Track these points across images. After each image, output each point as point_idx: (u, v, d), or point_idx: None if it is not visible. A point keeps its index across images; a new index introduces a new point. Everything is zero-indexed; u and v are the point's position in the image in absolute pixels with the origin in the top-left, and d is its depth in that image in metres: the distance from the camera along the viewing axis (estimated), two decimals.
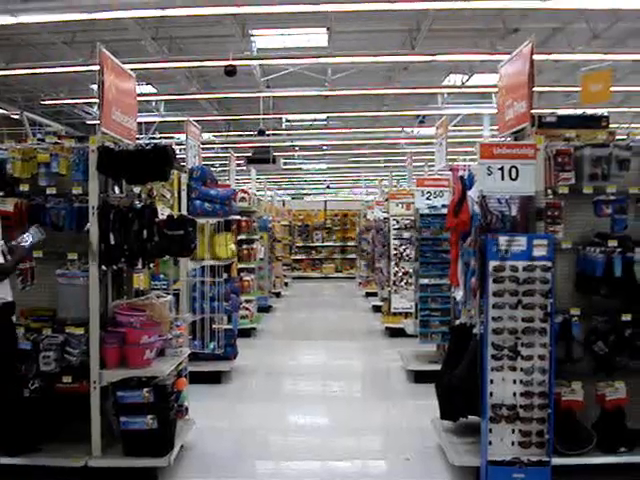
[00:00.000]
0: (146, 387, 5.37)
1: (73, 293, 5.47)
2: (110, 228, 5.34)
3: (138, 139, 6.50)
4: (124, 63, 6.18)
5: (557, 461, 5.15)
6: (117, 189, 5.74)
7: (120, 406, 5.35)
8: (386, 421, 7.47)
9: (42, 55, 13.18)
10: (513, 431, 5.09)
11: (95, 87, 5.61)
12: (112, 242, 5.33)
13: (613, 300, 5.40)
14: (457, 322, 6.35)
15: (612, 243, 5.33)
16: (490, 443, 5.10)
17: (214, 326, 8.96)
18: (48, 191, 5.55)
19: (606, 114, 6.01)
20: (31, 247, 5.24)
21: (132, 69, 6.47)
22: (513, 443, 5.09)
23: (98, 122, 5.65)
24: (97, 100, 5.67)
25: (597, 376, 5.43)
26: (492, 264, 5.09)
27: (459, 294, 6.15)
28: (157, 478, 5.44)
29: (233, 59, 11.86)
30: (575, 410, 5.37)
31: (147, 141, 6.10)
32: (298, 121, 21.15)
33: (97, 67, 5.63)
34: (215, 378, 8.88)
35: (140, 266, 6.09)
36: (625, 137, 5.63)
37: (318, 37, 12.69)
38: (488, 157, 5.31)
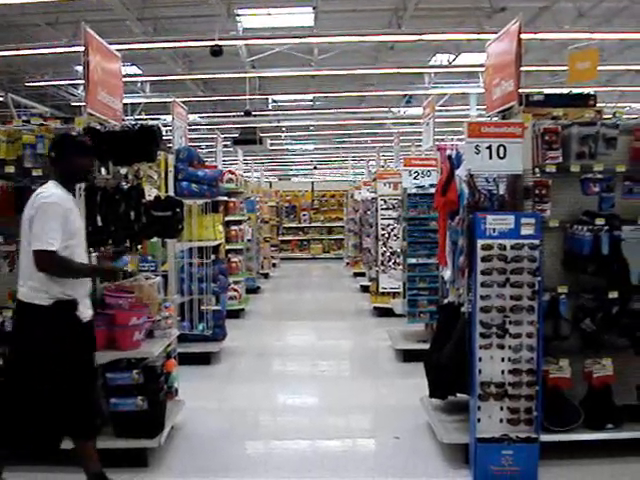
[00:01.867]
0: (135, 369, 5.36)
1: None
2: (97, 209, 5.30)
3: (124, 120, 6.46)
4: (109, 44, 6.12)
5: (545, 438, 5.19)
6: (104, 170, 5.71)
7: (110, 388, 5.34)
8: (375, 400, 7.51)
9: (26, 36, 13.04)
10: (501, 408, 5.12)
11: (80, 68, 5.55)
12: (99, 223, 5.29)
13: (600, 278, 5.42)
14: (445, 301, 6.37)
15: (599, 221, 5.35)
16: (479, 420, 5.13)
17: (202, 307, 8.96)
18: (34, 173, 5.49)
19: (593, 93, 6.02)
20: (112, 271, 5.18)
21: (117, 50, 6.41)
22: (502, 420, 5.12)
23: (83, 104, 5.60)
24: (82, 81, 5.61)
25: (584, 353, 5.47)
26: (480, 243, 5.09)
27: (447, 273, 6.16)
28: (147, 459, 5.44)
29: (219, 39, 11.77)
30: (563, 387, 5.41)
31: (133, 122, 6.05)
32: (284, 101, 21.07)
33: (82, 48, 5.57)
34: (204, 359, 8.88)
35: (127, 247, 6.07)
36: (611, 117, 5.64)
37: (304, 17, 12.62)
38: (476, 136, 5.30)
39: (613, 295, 5.43)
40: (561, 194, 5.54)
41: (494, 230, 5.09)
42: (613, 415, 5.48)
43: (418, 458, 5.71)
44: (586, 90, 6.11)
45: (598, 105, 5.91)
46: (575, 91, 6.06)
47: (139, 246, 6.50)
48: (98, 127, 5.47)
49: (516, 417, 5.12)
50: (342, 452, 6.04)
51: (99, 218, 5.29)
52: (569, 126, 5.44)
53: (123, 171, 5.90)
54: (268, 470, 5.53)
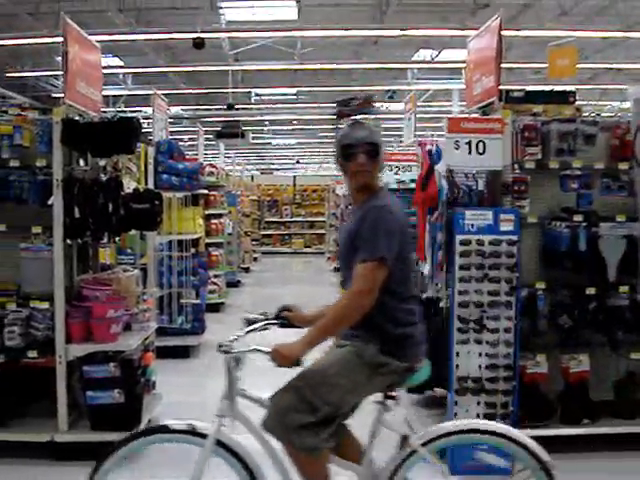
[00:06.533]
0: (112, 361, 5.33)
1: (38, 267, 5.38)
2: (75, 201, 5.26)
3: (105, 112, 6.41)
4: (90, 34, 6.08)
5: None
6: (82, 162, 5.67)
7: (86, 381, 5.30)
8: None
9: (5, 26, 12.91)
10: (478, 403, 5.15)
11: (59, 59, 5.51)
12: (77, 215, 5.25)
13: (578, 274, 5.45)
14: (424, 296, 6.38)
15: (577, 218, 5.38)
16: (456, 415, 5.15)
17: (182, 301, 8.94)
18: (11, 164, 5.43)
19: (573, 90, 6.04)
20: None
21: (98, 41, 6.36)
22: (478, 415, 5.14)
23: (63, 95, 5.55)
24: (62, 72, 5.57)
25: (561, 349, 5.50)
26: (459, 238, 5.11)
27: (426, 268, 6.17)
28: None
29: (202, 32, 11.72)
30: (539, 382, 5.44)
31: (113, 113, 6.01)
32: (267, 95, 21.01)
33: (60, 39, 5.53)
34: (183, 353, 8.85)
35: (106, 240, 6.04)
36: (592, 114, 5.67)
37: (288, 10, 12.57)
38: (456, 131, 5.31)
39: (590, 291, 5.46)
40: (540, 190, 5.56)
41: (473, 225, 5.11)
42: (589, 410, 5.51)
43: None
44: (568, 87, 6.14)
45: (580, 103, 5.94)
46: (557, 89, 6.08)
47: (117, 239, 6.47)
48: (77, 118, 5.43)
49: (493, 412, 5.14)
50: None
51: (77, 210, 5.25)
52: (548, 123, 5.46)
53: (102, 163, 5.85)
54: None
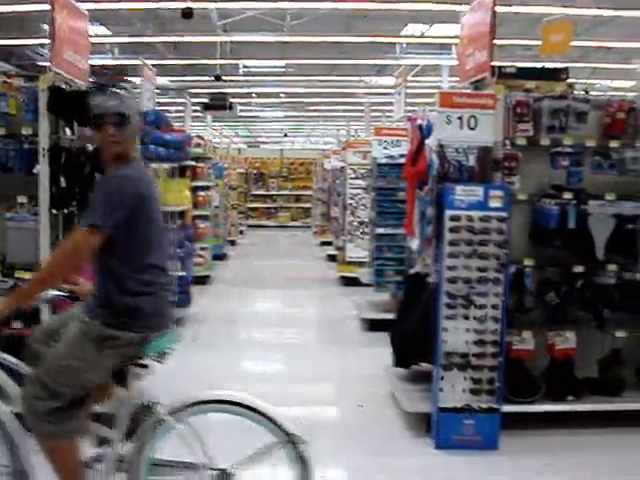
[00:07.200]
0: None
1: (23, 237, 5.34)
2: (61, 171, 5.21)
3: (91, 81, 6.32)
4: (77, 1, 5.98)
5: (507, 408, 5.25)
6: (68, 131, 5.59)
7: None
8: (340, 368, 7.54)
9: None
10: (465, 379, 5.15)
11: (47, 27, 5.43)
12: (63, 185, 5.20)
13: (566, 252, 5.46)
14: (412, 271, 6.38)
15: (567, 195, 5.37)
16: (441, 390, 5.16)
17: None
18: None
19: (566, 67, 6.01)
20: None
21: (86, 9, 6.26)
22: (464, 390, 5.16)
23: (49, 63, 5.47)
24: (48, 40, 5.48)
25: (548, 326, 5.51)
26: (449, 213, 5.09)
27: (415, 243, 6.16)
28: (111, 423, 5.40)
29: (190, 1, 11.55)
30: (525, 359, 5.47)
31: (100, 82, 5.93)
32: (256, 67, 20.81)
33: (48, 6, 5.43)
34: None
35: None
36: (583, 92, 5.64)
37: None
38: (447, 105, 5.26)
39: (578, 269, 5.48)
40: (530, 167, 5.53)
41: (463, 201, 5.09)
42: (574, 387, 5.55)
43: (381, 426, 5.74)
44: (558, 65, 6.10)
45: (569, 81, 5.91)
46: (548, 66, 6.05)
47: None
48: (63, 86, 5.35)
49: (479, 387, 5.16)
50: (305, 419, 6.02)
51: (63, 179, 5.19)
52: (540, 99, 5.43)
53: (88, 132, 5.78)
54: (228, 437, 5.52)
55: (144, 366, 3.57)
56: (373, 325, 8.89)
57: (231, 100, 18.39)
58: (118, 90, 3.77)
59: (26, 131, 5.32)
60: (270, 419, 3.44)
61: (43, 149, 5.19)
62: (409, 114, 8.27)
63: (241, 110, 22.89)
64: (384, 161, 9.69)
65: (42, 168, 5.20)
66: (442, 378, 5.16)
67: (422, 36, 15.24)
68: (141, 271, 3.47)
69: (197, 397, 3.60)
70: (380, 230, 9.59)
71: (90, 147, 5.49)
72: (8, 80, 5.56)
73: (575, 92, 5.61)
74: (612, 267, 5.49)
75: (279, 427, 3.42)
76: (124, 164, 3.50)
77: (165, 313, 3.61)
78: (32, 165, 5.26)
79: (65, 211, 5.56)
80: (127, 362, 3.52)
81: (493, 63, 5.63)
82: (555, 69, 5.96)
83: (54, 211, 5.35)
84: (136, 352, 3.52)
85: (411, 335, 5.79)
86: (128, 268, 3.43)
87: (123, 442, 3.51)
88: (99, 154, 5.39)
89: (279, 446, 3.43)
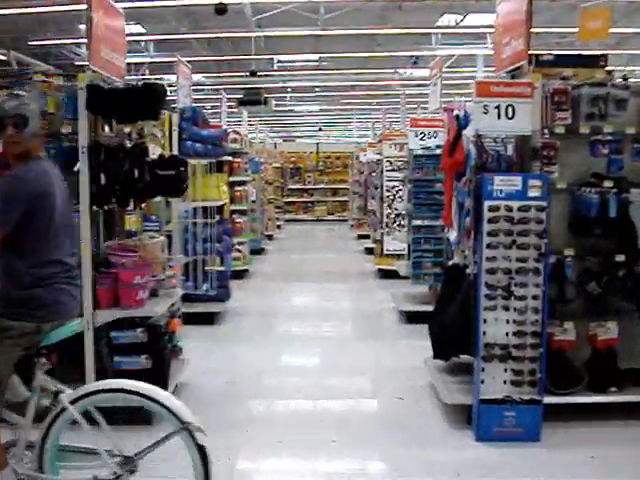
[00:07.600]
0: (140, 327, 5.38)
1: None
2: (101, 168, 5.26)
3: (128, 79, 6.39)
4: (113, 1, 6.03)
5: (548, 400, 5.21)
6: (107, 128, 5.65)
7: (114, 346, 5.36)
8: (378, 361, 7.53)
9: None
10: (505, 370, 5.13)
11: (83, 27, 5.50)
12: (103, 182, 5.25)
13: (607, 241, 5.40)
14: (450, 263, 6.35)
15: (608, 184, 5.30)
16: (482, 382, 5.13)
17: (207, 268, 8.96)
18: None
19: (605, 54, 5.92)
20: None
21: (122, 8, 6.31)
22: (505, 382, 5.13)
23: (87, 63, 5.51)
24: (85, 40, 5.53)
25: (589, 317, 5.45)
26: (487, 204, 5.05)
27: (453, 235, 6.12)
28: (151, 417, 5.47)
29: None
30: (567, 350, 5.41)
31: (137, 80, 5.98)
32: (290, 62, 20.84)
33: (84, 6, 5.49)
34: (208, 319, 8.91)
35: (131, 207, 6.04)
36: (621, 79, 5.56)
37: None
38: (484, 95, 5.21)
39: (619, 258, 5.40)
40: (569, 156, 5.47)
41: (501, 191, 5.05)
42: (616, 378, 5.49)
43: (420, 418, 5.74)
44: (595, 52, 6.01)
45: (608, 68, 5.82)
46: (584, 54, 5.97)
47: (143, 205, 6.48)
48: (102, 84, 5.41)
49: (520, 379, 5.12)
50: (344, 412, 6.06)
51: (103, 176, 5.25)
52: (579, 87, 5.36)
53: (127, 129, 5.84)
54: (270, 428, 5.57)
55: (47, 356, 3.66)
56: (411, 317, 8.88)
57: (266, 95, 18.42)
58: (20, 92, 3.84)
59: (65, 129, 5.40)
60: (166, 407, 3.51)
61: (82, 147, 5.24)
62: (445, 105, 8.23)
63: (276, 105, 22.92)
64: (420, 152, 9.64)
65: (82, 166, 5.26)
66: (483, 369, 5.13)
67: (457, 26, 15.12)
68: (38, 266, 3.61)
69: (97, 386, 3.71)
70: (417, 222, 9.53)
71: (128, 144, 5.54)
72: (47, 79, 5.63)
73: (614, 79, 5.52)
74: None
75: (174, 415, 3.48)
76: (21, 164, 3.63)
77: (63, 304, 3.69)
78: (72, 163, 5.33)
79: (105, 208, 5.63)
80: (28, 352, 3.61)
81: (529, 52, 5.56)
82: (594, 56, 5.87)
83: (95, 208, 5.41)
84: (33, 342, 3.60)
85: (450, 327, 5.77)
86: (25, 263, 3.58)
87: (31, 429, 3.62)
88: (136, 151, 5.49)
89: (176, 434, 3.49)
